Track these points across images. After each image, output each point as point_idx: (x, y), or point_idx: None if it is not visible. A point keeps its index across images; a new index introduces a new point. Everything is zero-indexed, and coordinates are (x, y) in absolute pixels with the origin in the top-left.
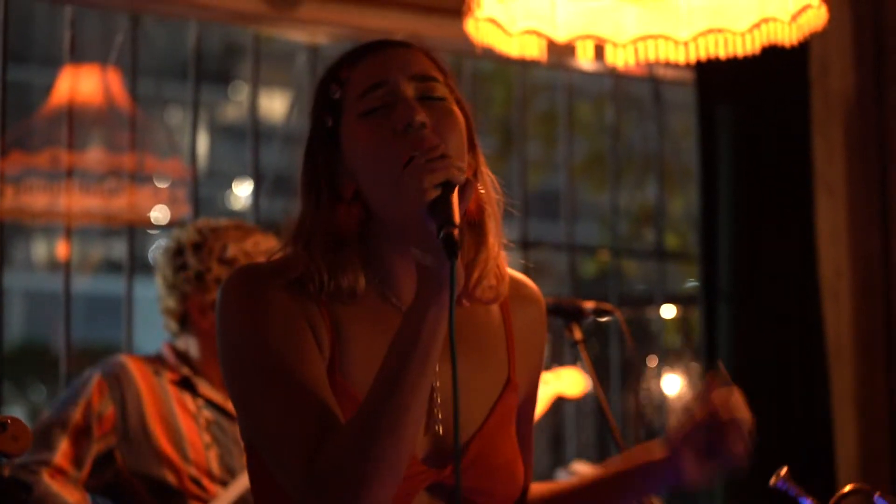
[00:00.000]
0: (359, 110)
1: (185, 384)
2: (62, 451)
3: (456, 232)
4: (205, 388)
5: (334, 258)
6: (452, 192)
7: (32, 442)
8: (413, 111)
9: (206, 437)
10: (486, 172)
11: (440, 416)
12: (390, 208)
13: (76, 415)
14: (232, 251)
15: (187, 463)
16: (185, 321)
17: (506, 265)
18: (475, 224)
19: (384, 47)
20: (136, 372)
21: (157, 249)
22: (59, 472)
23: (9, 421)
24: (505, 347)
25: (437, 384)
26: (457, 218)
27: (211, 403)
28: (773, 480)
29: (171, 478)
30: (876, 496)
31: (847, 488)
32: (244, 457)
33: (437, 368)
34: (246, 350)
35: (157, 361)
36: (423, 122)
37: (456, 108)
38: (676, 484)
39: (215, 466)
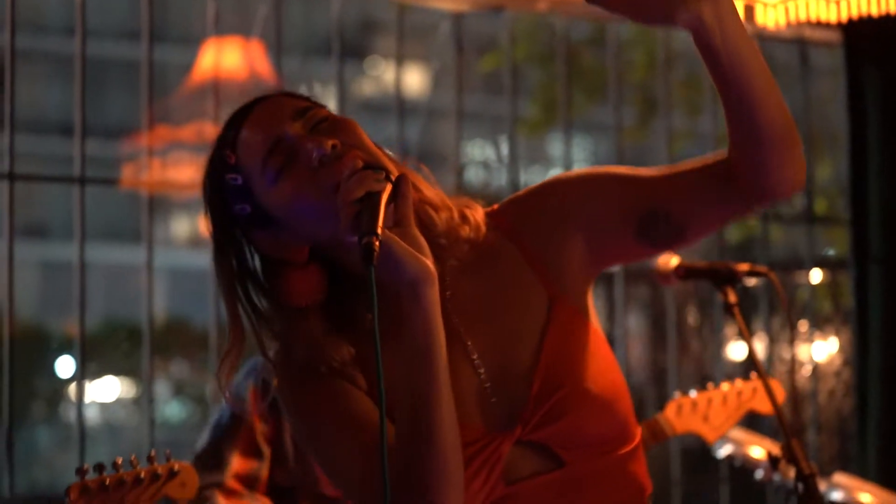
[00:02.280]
0: (269, 179)
1: None
2: (232, 470)
3: (375, 241)
4: None
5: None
6: (376, 201)
7: (203, 460)
8: (317, 142)
9: None
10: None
11: (489, 385)
12: (341, 241)
13: (241, 431)
14: None
15: None
16: None
17: (462, 207)
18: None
19: (248, 113)
20: None
21: None
22: (231, 493)
23: (177, 468)
24: (530, 270)
25: (475, 356)
26: (379, 225)
27: None
28: None
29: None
30: None
31: None
32: None
33: (470, 342)
34: (300, 429)
35: None
36: (333, 144)
37: (344, 117)
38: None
39: None
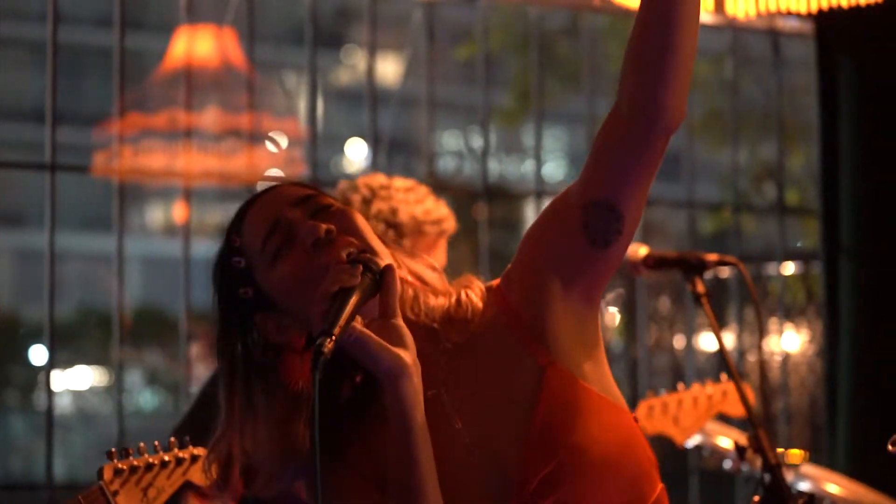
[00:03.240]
0: (267, 260)
1: None
2: None
3: (328, 343)
4: None
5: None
6: (345, 299)
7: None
8: (312, 226)
9: None
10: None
11: (481, 468)
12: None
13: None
14: (402, 216)
15: None
16: None
17: (461, 289)
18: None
19: (255, 200)
20: None
21: None
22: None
23: (198, 453)
24: (522, 342)
25: (466, 440)
26: (339, 325)
27: None
28: (890, 448)
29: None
30: None
31: None
32: None
33: (461, 425)
34: None
35: None
36: (328, 228)
37: (346, 208)
38: None
39: None
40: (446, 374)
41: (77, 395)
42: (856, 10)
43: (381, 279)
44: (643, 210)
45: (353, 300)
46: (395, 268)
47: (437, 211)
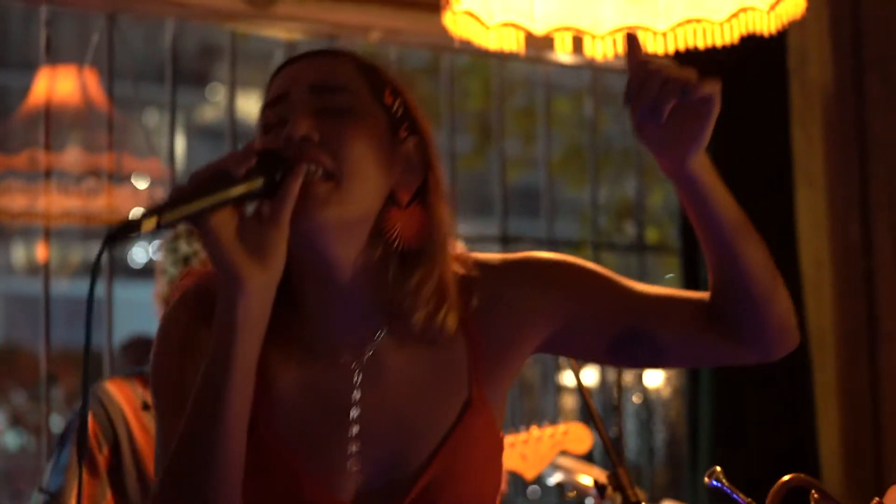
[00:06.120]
0: (259, 126)
1: None
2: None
3: (146, 222)
4: None
5: None
6: (218, 184)
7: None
8: (294, 126)
9: None
10: (441, 194)
11: (355, 450)
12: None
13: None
14: None
15: None
16: None
17: (452, 285)
18: (413, 252)
19: (299, 60)
20: (126, 405)
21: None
22: None
23: None
24: (466, 365)
25: (355, 415)
26: (171, 209)
27: None
28: (706, 479)
29: None
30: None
31: (787, 477)
32: None
33: (360, 396)
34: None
35: (143, 383)
36: (303, 135)
37: (367, 119)
38: (681, 159)
39: None
40: (376, 364)
41: None
42: (712, 51)
43: (279, 183)
44: (510, 249)
45: (223, 191)
46: (301, 172)
47: None
